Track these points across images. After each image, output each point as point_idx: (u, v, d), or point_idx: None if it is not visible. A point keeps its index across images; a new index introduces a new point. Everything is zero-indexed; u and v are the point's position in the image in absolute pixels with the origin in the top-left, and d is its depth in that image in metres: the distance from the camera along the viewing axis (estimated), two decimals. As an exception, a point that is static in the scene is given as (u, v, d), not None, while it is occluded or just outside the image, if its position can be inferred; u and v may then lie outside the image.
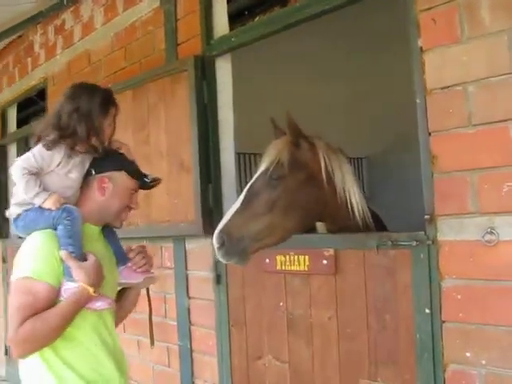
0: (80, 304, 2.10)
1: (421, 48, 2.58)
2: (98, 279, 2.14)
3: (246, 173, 7.10)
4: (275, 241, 2.72)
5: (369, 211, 2.94)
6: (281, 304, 3.29)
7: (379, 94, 7.60)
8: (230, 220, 2.61)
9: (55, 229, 2.17)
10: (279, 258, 3.25)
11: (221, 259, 2.64)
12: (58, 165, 2.23)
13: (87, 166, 2.31)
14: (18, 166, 2.21)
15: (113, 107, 2.35)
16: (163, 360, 4.26)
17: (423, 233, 2.59)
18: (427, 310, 2.58)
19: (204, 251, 3.85)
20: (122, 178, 2.32)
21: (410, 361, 2.67)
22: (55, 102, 5.70)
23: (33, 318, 2.01)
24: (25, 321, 2.00)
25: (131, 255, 2.42)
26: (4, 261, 6.86)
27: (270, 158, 2.74)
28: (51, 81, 5.89)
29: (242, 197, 2.70)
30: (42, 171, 2.23)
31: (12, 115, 7.16)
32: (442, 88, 2.50)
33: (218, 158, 3.88)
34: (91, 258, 2.16)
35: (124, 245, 2.50)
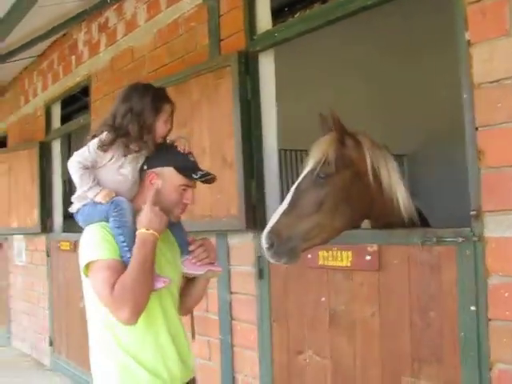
0: (145, 245, 2.14)
1: (468, 41, 2.54)
2: (146, 220, 2.18)
3: (288, 169, 7.07)
4: (324, 240, 2.72)
5: (414, 208, 2.91)
6: (323, 299, 3.28)
7: (420, 90, 7.51)
8: (278, 220, 2.61)
9: (108, 221, 2.23)
10: (322, 253, 3.24)
11: (270, 259, 2.64)
12: (110, 159, 2.28)
13: (141, 161, 2.34)
14: (74, 161, 2.28)
15: (166, 104, 2.37)
16: (204, 354, 4.29)
17: (469, 229, 2.55)
18: (473, 308, 2.53)
19: (246, 246, 3.87)
20: (170, 173, 2.31)
21: (455, 359, 2.63)
22: (98, 98, 5.83)
23: (118, 279, 2.07)
24: (113, 286, 2.06)
25: (191, 248, 2.43)
26: (48, 255, 6.99)
27: (317, 157, 2.71)
28: (95, 78, 6.00)
29: (289, 196, 2.69)
30: (96, 165, 2.29)
31: (56, 112, 7.32)
32: (491, 82, 2.46)
33: (261, 153, 3.88)
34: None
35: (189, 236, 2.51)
